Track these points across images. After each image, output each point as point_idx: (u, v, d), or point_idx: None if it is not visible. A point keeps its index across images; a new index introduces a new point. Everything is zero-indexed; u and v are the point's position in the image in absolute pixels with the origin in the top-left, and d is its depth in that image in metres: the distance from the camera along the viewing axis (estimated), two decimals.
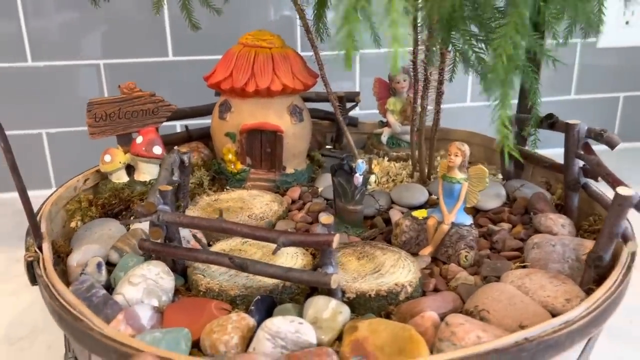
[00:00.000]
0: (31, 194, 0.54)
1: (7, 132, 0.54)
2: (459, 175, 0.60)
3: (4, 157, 0.51)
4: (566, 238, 0.59)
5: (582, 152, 0.62)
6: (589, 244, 0.55)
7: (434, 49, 0.66)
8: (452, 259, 0.59)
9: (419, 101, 0.74)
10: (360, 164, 0.64)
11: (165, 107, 0.76)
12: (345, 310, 0.49)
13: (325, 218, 0.50)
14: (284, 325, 0.45)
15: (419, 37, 0.70)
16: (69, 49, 1.11)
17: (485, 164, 0.84)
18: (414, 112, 0.76)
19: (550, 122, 0.67)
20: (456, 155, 0.60)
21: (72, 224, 0.68)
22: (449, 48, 0.68)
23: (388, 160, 0.85)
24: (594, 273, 0.51)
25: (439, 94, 0.73)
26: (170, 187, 0.56)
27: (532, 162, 0.75)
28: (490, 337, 0.43)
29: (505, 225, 0.65)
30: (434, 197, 0.73)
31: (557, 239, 0.58)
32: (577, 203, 0.65)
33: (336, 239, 0.48)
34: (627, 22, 1.33)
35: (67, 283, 0.53)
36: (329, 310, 0.48)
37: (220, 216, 0.55)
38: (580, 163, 0.63)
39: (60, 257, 0.60)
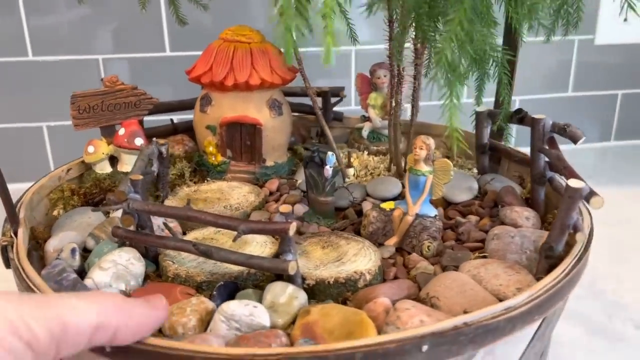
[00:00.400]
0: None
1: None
2: (424, 168, 0.62)
3: None
4: (527, 230, 0.60)
5: (546, 147, 0.63)
6: None
7: (404, 44, 0.67)
8: (415, 249, 0.61)
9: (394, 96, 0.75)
10: (330, 156, 0.65)
11: (147, 100, 0.78)
12: (302, 296, 0.51)
13: (283, 207, 0.52)
14: (239, 309, 0.47)
15: (393, 32, 0.72)
16: (68, 44, 1.14)
17: (463, 158, 0.85)
18: (391, 107, 0.78)
19: (519, 117, 0.68)
20: (421, 149, 0.61)
21: (55, 212, 0.71)
22: (422, 44, 0.69)
23: (368, 154, 0.87)
24: (546, 263, 0.52)
25: (415, 89, 0.74)
26: (140, 177, 0.58)
27: (506, 157, 0.76)
28: (433, 322, 0.44)
29: (473, 218, 0.67)
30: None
31: (517, 231, 0.59)
32: (543, 196, 0.66)
33: (292, 227, 0.50)
34: (625, 20, 1.33)
35: (43, 267, 0.56)
36: (285, 296, 0.50)
37: (187, 204, 0.57)
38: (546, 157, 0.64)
39: (39, 244, 0.63)
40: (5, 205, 0.56)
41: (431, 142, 0.61)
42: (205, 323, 0.49)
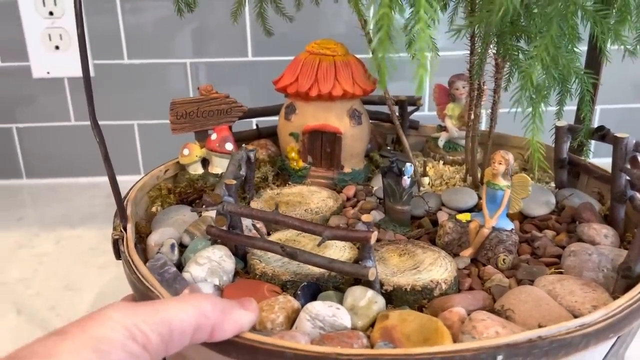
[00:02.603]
0: (122, 178, 0.63)
1: (104, 122, 0.63)
2: (502, 182, 0.63)
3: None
4: (606, 248, 0.60)
5: (628, 166, 0.63)
6: None
7: (486, 59, 0.69)
8: (491, 261, 0.63)
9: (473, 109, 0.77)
10: (409, 167, 0.68)
11: (238, 107, 0.84)
12: (380, 301, 0.54)
13: (366, 217, 0.55)
14: (323, 309, 0.51)
15: (474, 47, 0.74)
16: (160, 48, 1.24)
17: (540, 171, 0.85)
18: (469, 119, 0.79)
19: (601, 134, 0.68)
20: (500, 164, 0.63)
21: (153, 209, 0.78)
22: (503, 59, 0.71)
23: (443, 164, 0.89)
24: (623, 283, 0.53)
25: (494, 102, 0.76)
26: (234, 181, 0.64)
27: (585, 172, 0.76)
28: (508, 333, 0.46)
29: (549, 233, 0.68)
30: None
31: (594, 249, 0.60)
32: (622, 215, 0.66)
33: (374, 236, 0.53)
34: None
35: (146, 260, 0.62)
36: (365, 299, 0.54)
37: (275, 209, 0.61)
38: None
39: (142, 237, 0.70)
40: (117, 202, 0.63)
41: (510, 157, 0.63)
42: (291, 320, 0.54)
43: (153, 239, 0.68)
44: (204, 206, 0.69)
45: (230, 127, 0.86)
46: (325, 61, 0.81)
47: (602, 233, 0.64)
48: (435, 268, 0.60)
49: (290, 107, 0.85)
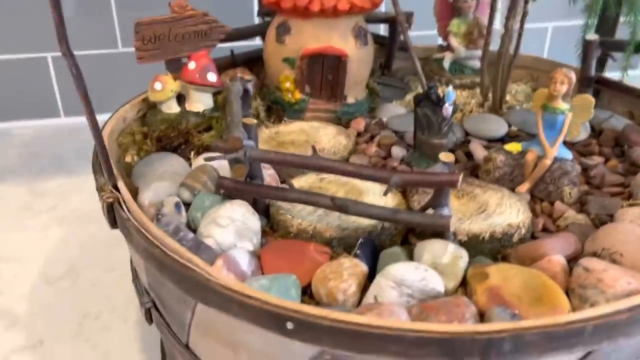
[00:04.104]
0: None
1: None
2: (563, 105, 0.55)
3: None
4: None
5: None
6: None
7: None
8: (552, 196, 0.55)
9: (499, 22, 0.67)
10: (451, 92, 0.58)
11: (219, 28, 0.68)
12: (465, 255, 0.45)
13: (446, 155, 0.45)
14: (409, 274, 0.41)
15: None
16: None
17: None
18: (488, 35, 0.70)
19: None
20: (562, 83, 0.54)
21: (128, 159, 0.62)
22: None
23: (453, 89, 0.79)
24: None
25: (524, 14, 0.66)
26: (255, 121, 0.50)
27: (619, 91, 0.70)
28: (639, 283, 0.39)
29: (598, 159, 0.61)
30: (513, 128, 0.69)
31: None
32: None
33: (460, 179, 0.43)
34: None
35: None
36: (447, 255, 0.45)
37: (314, 153, 0.49)
38: None
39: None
40: (102, 154, 0.47)
41: (573, 75, 0.54)
42: (361, 288, 0.43)
43: (147, 198, 0.53)
44: (209, 152, 0.55)
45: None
46: None
47: None
48: (506, 209, 0.51)
49: (282, 26, 0.70)
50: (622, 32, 0.70)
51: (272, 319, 0.35)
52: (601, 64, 0.73)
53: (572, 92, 0.56)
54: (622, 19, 0.65)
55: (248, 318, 0.36)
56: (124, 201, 0.46)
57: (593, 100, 0.55)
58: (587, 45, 0.69)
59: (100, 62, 1.15)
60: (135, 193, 0.55)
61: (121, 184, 0.48)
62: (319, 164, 0.47)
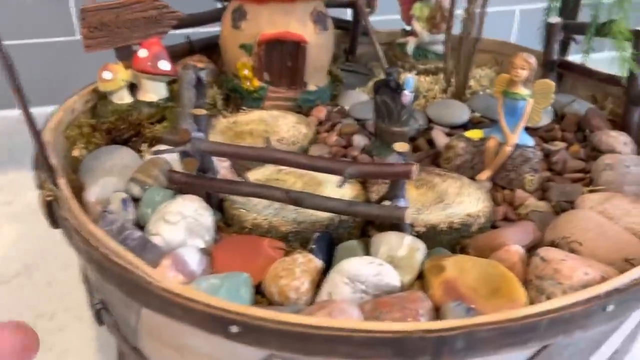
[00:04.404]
0: None
1: None
2: (523, 91, 0.54)
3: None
4: (632, 157, 0.54)
5: None
6: None
7: None
8: (514, 183, 0.54)
9: (462, 6, 0.66)
10: (410, 79, 0.57)
11: (170, 14, 0.65)
12: (422, 247, 0.44)
13: (401, 145, 0.43)
14: (364, 268, 0.40)
15: None
16: None
17: None
18: (450, 18, 0.68)
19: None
20: (522, 69, 0.53)
21: (75, 153, 0.59)
22: None
23: (416, 74, 0.78)
24: None
25: None
26: (205, 112, 0.48)
27: (582, 74, 0.69)
28: (597, 273, 0.38)
29: (560, 144, 0.61)
30: (476, 114, 0.67)
31: (630, 160, 0.53)
32: (637, 119, 0.60)
33: (415, 170, 0.42)
34: None
35: None
36: (404, 248, 0.43)
37: (267, 144, 0.47)
38: None
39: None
40: (39, 148, 0.45)
41: (533, 60, 0.53)
42: (316, 284, 0.42)
43: (93, 194, 0.51)
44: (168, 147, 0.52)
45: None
46: None
47: (621, 141, 0.58)
48: (465, 199, 0.50)
49: (238, 11, 0.67)
50: (584, 15, 0.69)
51: (215, 323, 0.34)
52: (564, 48, 0.72)
53: (536, 76, 0.55)
54: (583, 1, 0.64)
55: (191, 322, 0.35)
56: (64, 199, 0.43)
57: (553, 85, 0.54)
58: (549, 29, 0.68)
59: (58, 51, 1.11)
60: (82, 189, 0.52)
61: (62, 181, 0.46)
62: (272, 156, 0.45)
